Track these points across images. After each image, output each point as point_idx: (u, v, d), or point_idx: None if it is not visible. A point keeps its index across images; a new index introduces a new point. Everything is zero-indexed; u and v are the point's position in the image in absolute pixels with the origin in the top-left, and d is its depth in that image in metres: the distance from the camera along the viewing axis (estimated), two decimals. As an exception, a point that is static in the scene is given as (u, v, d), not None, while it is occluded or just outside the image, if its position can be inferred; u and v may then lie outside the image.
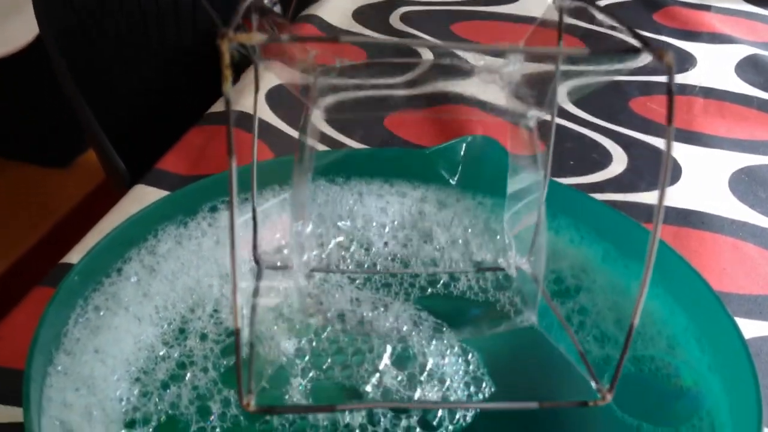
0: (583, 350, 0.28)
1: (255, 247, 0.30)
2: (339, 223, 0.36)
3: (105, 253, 0.31)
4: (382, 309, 0.32)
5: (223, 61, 0.19)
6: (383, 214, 0.36)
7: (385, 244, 0.36)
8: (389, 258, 0.36)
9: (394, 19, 0.79)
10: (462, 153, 0.39)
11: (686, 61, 0.72)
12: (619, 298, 0.33)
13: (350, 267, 0.35)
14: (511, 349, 0.32)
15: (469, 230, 0.36)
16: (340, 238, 0.36)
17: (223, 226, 0.35)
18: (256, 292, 0.29)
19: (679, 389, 0.30)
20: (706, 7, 0.81)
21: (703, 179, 0.57)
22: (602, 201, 0.56)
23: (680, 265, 0.32)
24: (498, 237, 0.36)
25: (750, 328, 0.44)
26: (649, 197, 0.55)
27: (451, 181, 0.38)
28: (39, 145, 1.29)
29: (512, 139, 0.32)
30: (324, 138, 0.59)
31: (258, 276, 0.30)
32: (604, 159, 0.59)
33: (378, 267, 0.35)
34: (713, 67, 0.71)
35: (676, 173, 0.57)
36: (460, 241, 0.36)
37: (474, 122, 0.63)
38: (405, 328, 0.31)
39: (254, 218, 0.30)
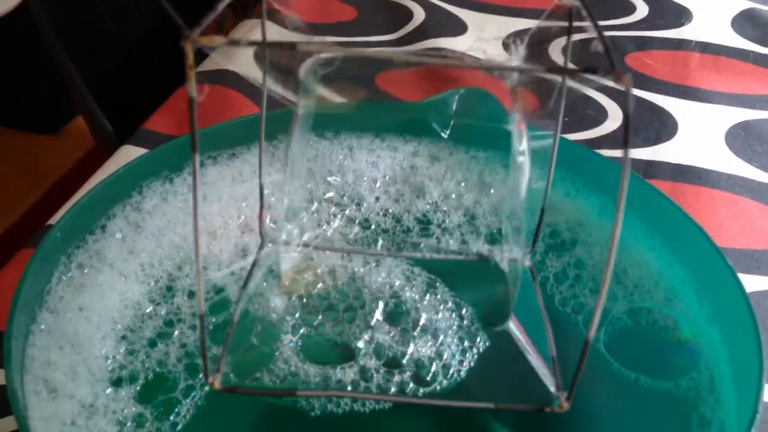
0: (555, 354, 0.27)
1: (261, 220, 0.29)
2: (329, 179, 0.35)
3: (88, 210, 0.30)
4: (373, 264, 0.31)
5: (187, 61, 0.18)
6: (374, 169, 0.35)
7: (377, 199, 0.35)
8: (381, 213, 0.35)
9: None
10: (454, 106, 0.38)
11: (682, 15, 0.70)
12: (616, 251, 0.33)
13: (341, 222, 0.34)
14: (509, 306, 0.32)
15: (462, 184, 0.35)
16: (331, 194, 0.35)
17: (210, 182, 0.34)
18: (254, 265, 0.28)
19: (678, 342, 0.30)
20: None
21: (699, 134, 0.56)
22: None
23: (678, 216, 0.31)
24: (492, 191, 0.35)
25: (747, 282, 0.43)
26: (644, 153, 0.55)
27: (443, 134, 0.37)
28: (28, 111, 1.27)
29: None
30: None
31: (259, 249, 0.29)
32: (599, 115, 0.58)
33: (371, 223, 0.34)
34: (709, 21, 0.70)
35: (672, 128, 0.57)
36: (453, 195, 0.35)
37: (467, 78, 0.62)
38: (397, 284, 0.30)
39: (261, 193, 0.29)
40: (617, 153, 0.54)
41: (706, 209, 0.49)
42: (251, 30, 0.66)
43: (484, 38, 0.68)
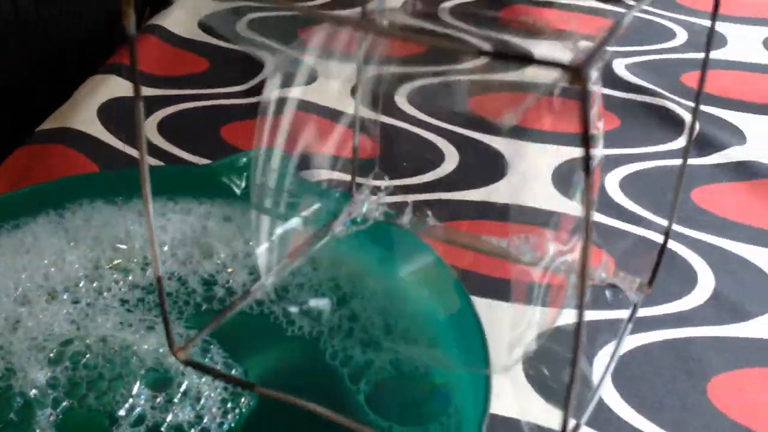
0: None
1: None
2: (117, 245, 0.36)
3: None
4: (143, 331, 0.32)
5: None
6: (163, 233, 0.36)
7: (163, 262, 0.36)
8: (167, 277, 0.35)
9: (241, 27, 0.78)
10: (248, 165, 0.39)
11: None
12: (389, 303, 0.34)
13: (124, 289, 0.34)
14: (283, 363, 0.33)
15: (251, 243, 0.36)
16: (117, 261, 0.35)
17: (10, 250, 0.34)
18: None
19: (434, 387, 0.31)
20: (549, 4, 0.84)
21: (528, 173, 0.59)
22: (433, 200, 0.57)
23: (439, 266, 0.33)
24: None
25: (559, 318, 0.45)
26: (476, 194, 0.57)
27: (237, 193, 0.38)
28: None
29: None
30: (156, 151, 0.58)
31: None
32: (436, 159, 0.60)
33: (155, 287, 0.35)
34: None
35: (502, 168, 0.59)
36: (241, 254, 0.36)
37: (316, 128, 0.63)
38: (162, 350, 0.31)
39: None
40: (450, 195, 0.56)
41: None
42: (98, 86, 0.67)
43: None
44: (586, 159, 0.17)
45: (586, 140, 0.17)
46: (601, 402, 0.40)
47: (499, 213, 0.55)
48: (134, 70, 0.21)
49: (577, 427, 0.25)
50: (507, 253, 0.35)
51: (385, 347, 0.32)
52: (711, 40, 0.30)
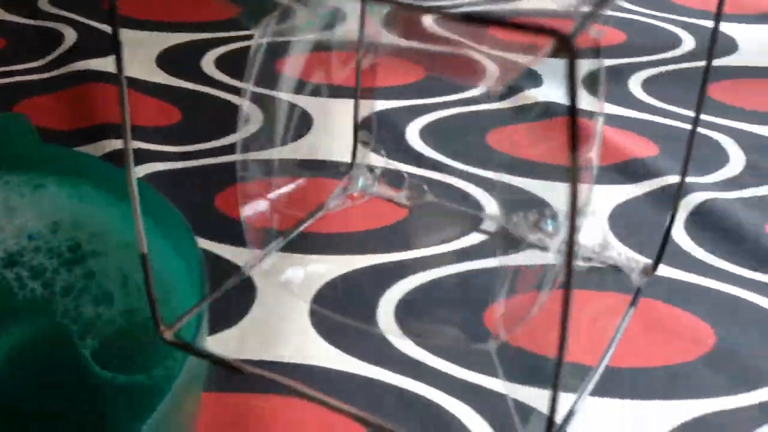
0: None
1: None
2: None
3: None
4: None
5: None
6: None
7: None
8: None
9: (43, 3, 0.75)
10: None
11: (338, 17, 0.74)
12: (127, 257, 0.34)
13: None
14: (14, 327, 0.32)
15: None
16: None
17: None
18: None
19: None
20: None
21: (331, 129, 0.59)
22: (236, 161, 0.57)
23: (174, 217, 0.33)
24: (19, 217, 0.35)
25: (361, 260, 0.46)
26: (280, 152, 0.57)
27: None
28: None
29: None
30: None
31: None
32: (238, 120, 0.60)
33: None
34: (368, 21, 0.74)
35: (307, 124, 0.60)
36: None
37: (114, 100, 0.61)
38: None
39: None
40: (257, 155, 0.55)
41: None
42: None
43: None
44: (573, 133, 0.16)
45: (573, 112, 0.16)
46: (383, 339, 0.40)
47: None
48: (118, 46, 0.19)
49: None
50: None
51: (117, 300, 0.32)
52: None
